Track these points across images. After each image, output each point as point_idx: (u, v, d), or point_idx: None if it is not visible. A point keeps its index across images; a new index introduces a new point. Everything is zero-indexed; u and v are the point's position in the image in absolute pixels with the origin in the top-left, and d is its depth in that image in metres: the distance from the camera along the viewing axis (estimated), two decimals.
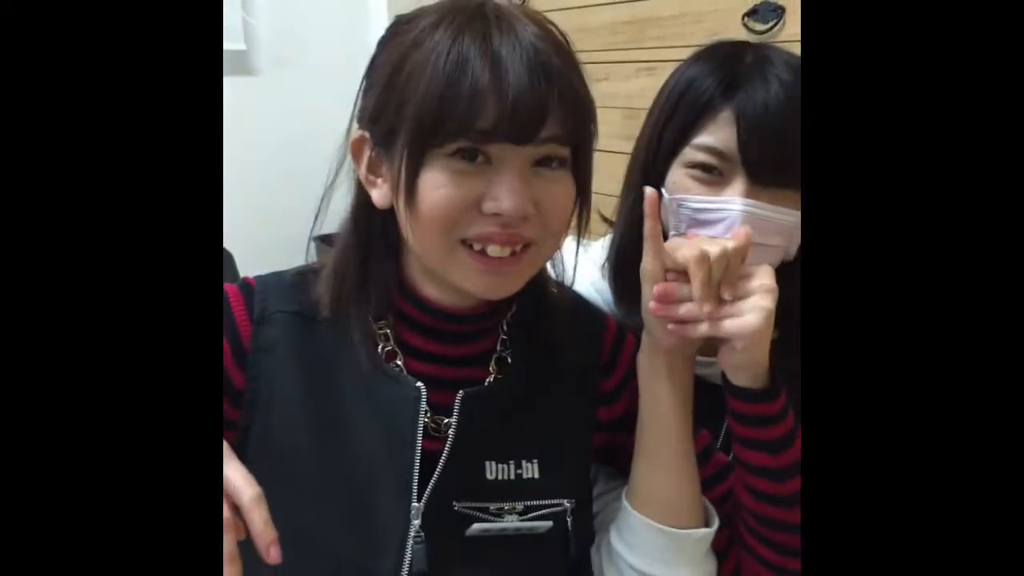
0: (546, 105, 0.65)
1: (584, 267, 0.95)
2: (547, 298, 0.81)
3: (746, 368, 0.75)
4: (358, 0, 2.75)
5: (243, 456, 0.65)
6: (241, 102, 2.00)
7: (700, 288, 0.71)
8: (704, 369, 0.90)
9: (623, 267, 0.91)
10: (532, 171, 0.68)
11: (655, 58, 1.93)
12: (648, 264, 0.75)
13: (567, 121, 0.68)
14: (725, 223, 0.83)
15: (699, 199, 0.84)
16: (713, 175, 0.84)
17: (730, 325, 0.73)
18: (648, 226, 0.75)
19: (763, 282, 0.73)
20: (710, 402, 0.83)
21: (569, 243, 1.01)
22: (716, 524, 0.78)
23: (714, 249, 0.71)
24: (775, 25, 1.68)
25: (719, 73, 0.85)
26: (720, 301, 0.73)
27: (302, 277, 0.78)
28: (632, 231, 0.90)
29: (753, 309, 0.72)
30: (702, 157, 0.84)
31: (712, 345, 0.79)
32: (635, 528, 0.78)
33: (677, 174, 0.87)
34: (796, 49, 0.89)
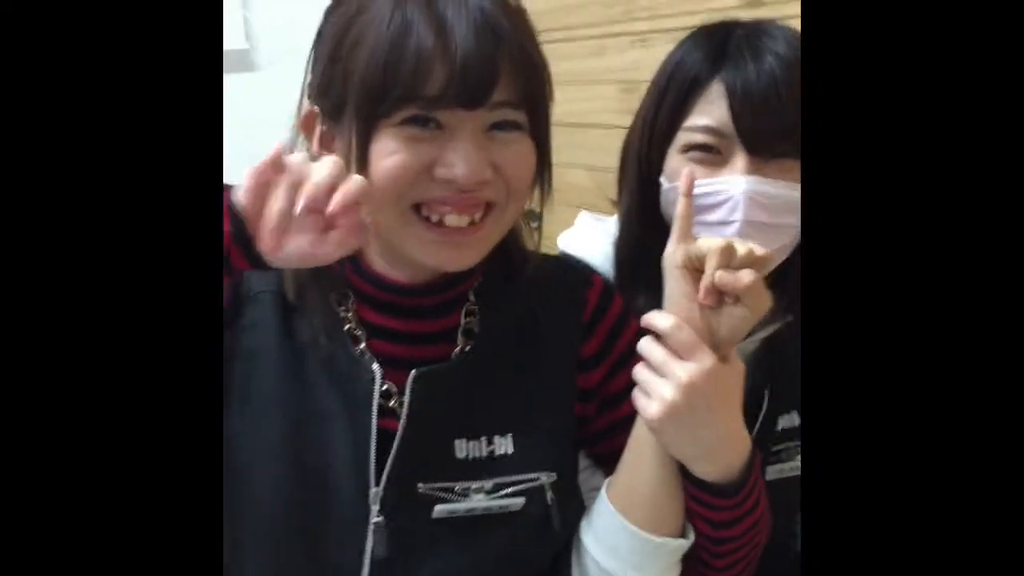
0: (495, 68, 0.64)
1: (599, 239, 0.92)
2: (517, 260, 0.77)
3: (676, 450, 0.70)
4: None
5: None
6: (242, 99, 1.98)
7: (708, 277, 0.66)
8: None
9: (623, 259, 0.88)
10: (487, 136, 0.67)
11: (648, 29, 1.88)
12: (670, 249, 0.71)
13: (519, 84, 0.67)
14: (728, 205, 0.79)
15: (698, 183, 0.79)
16: (711, 155, 0.81)
17: (638, 400, 0.70)
18: (681, 205, 0.70)
19: (679, 375, 0.66)
20: None
21: (584, 216, 0.97)
22: (692, 537, 0.73)
23: (741, 248, 0.66)
24: None
25: (706, 48, 0.81)
26: (719, 299, 0.68)
27: None
28: (631, 227, 0.87)
29: (657, 396, 0.67)
30: (697, 138, 0.81)
31: None
32: (609, 526, 0.73)
33: (674, 161, 0.83)
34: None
